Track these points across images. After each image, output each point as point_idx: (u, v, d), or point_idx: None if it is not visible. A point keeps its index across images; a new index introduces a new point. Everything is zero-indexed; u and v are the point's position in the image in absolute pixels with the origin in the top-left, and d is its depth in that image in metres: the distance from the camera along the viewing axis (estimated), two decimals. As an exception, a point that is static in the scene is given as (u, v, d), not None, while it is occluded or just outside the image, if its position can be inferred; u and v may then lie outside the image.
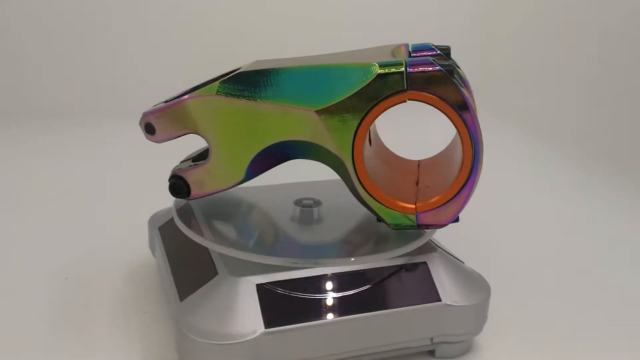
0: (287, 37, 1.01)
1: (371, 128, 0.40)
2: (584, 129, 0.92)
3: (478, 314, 0.39)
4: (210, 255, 0.38)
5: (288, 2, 1.03)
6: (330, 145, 0.36)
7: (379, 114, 0.35)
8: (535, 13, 1.05)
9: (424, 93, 0.34)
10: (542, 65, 1.04)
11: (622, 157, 0.84)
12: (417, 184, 0.41)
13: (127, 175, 0.69)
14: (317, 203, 0.43)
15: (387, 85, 0.34)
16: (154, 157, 0.54)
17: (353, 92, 0.35)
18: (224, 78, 0.37)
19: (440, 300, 0.37)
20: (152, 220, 0.47)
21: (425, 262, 0.38)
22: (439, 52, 0.37)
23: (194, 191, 0.40)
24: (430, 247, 0.40)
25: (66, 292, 0.45)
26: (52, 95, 0.93)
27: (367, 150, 0.39)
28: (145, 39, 0.99)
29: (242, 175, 0.39)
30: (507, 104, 0.98)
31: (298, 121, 0.36)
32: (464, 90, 0.35)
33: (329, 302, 0.36)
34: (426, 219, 0.37)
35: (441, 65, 0.34)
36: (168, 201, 0.43)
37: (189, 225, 0.39)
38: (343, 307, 0.36)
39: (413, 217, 0.37)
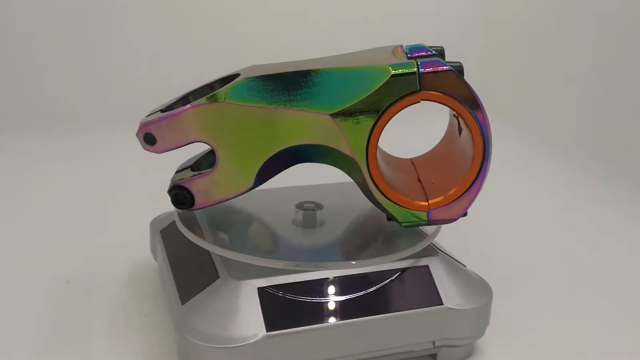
0: (288, 38, 1.01)
1: None
2: (583, 130, 0.92)
3: (480, 317, 0.39)
4: (212, 259, 0.38)
5: (288, 3, 1.03)
6: (344, 147, 0.36)
7: (394, 115, 0.36)
8: (534, 16, 1.06)
9: (437, 93, 0.35)
10: (541, 68, 1.04)
11: (621, 158, 0.84)
12: (419, 181, 0.41)
13: (129, 179, 0.69)
14: (319, 206, 0.43)
15: (401, 86, 0.35)
16: (156, 161, 0.54)
17: (368, 94, 0.35)
18: (232, 84, 0.36)
19: (442, 303, 0.37)
20: (153, 224, 0.47)
21: (427, 266, 0.38)
22: (434, 52, 0.37)
23: (199, 201, 0.39)
24: (432, 251, 0.39)
25: (68, 295, 0.45)
26: (55, 101, 0.93)
27: None
28: (146, 44, 0.99)
29: (250, 183, 0.38)
30: (507, 106, 0.98)
31: (311, 125, 0.36)
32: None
33: (331, 305, 0.36)
34: (438, 214, 0.38)
35: (451, 65, 0.35)
36: (169, 205, 0.43)
37: (190, 228, 0.39)
38: (345, 310, 0.36)
39: (425, 213, 0.38)
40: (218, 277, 0.36)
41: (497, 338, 0.42)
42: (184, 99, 0.40)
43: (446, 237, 0.43)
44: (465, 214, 0.38)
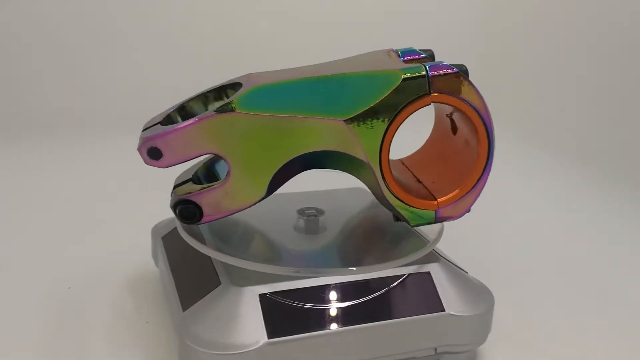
0: (287, 38, 1.02)
1: None
2: (585, 133, 0.92)
3: (482, 324, 0.39)
4: (213, 265, 0.38)
5: (289, 4, 1.03)
6: (357, 152, 0.36)
7: (406, 118, 0.36)
8: (533, 17, 1.06)
9: (446, 95, 0.36)
10: (539, 70, 1.04)
11: (622, 161, 0.84)
12: (419, 181, 0.42)
13: (131, 185, 0.69)
14: (320, 212, 0.43)
15: (412, 89, 0.36)
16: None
17: (380, 98, 0.35)
18: (241, 93, 0.36)
19: (443, 310, 0.37)
20: (155, 230, 0.47)
21: (428, 272, 0.38)
22: (425, 55, 0.39)
23: (208, 214, 0.38)
24: (434, 257, 0.39)
25: (69, 301, 0.45)
26: (56, 105, 0.94)
27: None
28: (147, 48, 0.99)
29: (263, 192, 0.37)
30: (505, 109, 0.98)
31: (325, 132, 0.36)
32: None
33: (332, 312, 0.36)
34: (444, 213, 0.39)
35: (456, 67, 0.36)
36: (171, 211, 0.43)
37: (191, 234, 0.39)
38: (346, 317, 0.36)
39: (433, 212, 0.39)
40: (219, 283, 0.36)
41: (498, 344, 0.41)
42: (180, 109, 0.40)
43: (448, 243, 0.43)
44: (469, 211, 0.39)
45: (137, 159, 0.39)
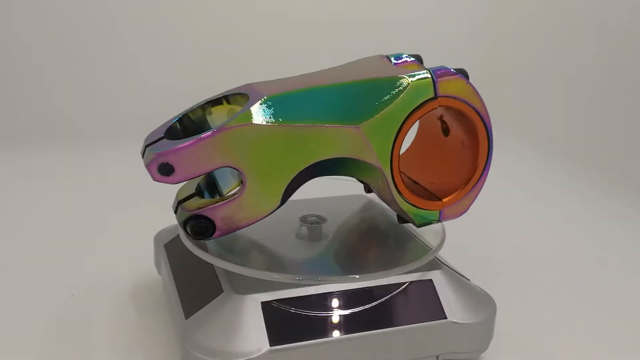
0: (287, 39, 1.02)
1: None
2: (583, 134, 0.92)
3: (484, 331, 0.39)
4: (216, 273, 0.38)
5: (289, 4, 1.04)
6: (368, 157, 0.37)
7: (414, 122, 0.37)
8: (533, 20, 1.06)
9: (451, 98, 0.37)
10: (538, 73, 1.04)
11: (622, 162, 0.84)
12: (415, 182, 0.43)
13: (133, 193, 0.69)
14: (322, 220, 0.43)
15: (420, 94, 0.37)
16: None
17: (391, 104, 0.36)
18: (256, 104, 0.35)
19: (446, 317, 0.37)
20: (157, 238, 0.47)
21: (430, 280, 0.38)
22: (414, 59, 0.40)
23: (222, 228, 0.37)
24: (436, 264, 0.39)
25: (72, 309, 0.45)
26: (59, 113, 0.94)
27: None
28: (151, 56, 1.00)
29: (277, 202, 0.37)
30: (505, 110, 0.98)
31: (339, 139, 0.36)
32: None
33: (335, 319, 0.36)
34: (447, 212, 0.40)
35: (457, 71, 0.38)
36: (174, 218, 0.43)
37: (194, 242, 0.39)
38: (348, 324, 0.36)
39: (437, 212, 0.40)
40: (222, 291, 0.36)
41: (501, 352, 0.41)
42: (180, 121, 0.39)
43: (449, 250, 0.43)
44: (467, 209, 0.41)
45: (140, 167, 0.39)
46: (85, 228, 0.60)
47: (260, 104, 0.35)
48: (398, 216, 0.41)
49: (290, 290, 0.36)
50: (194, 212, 0.37)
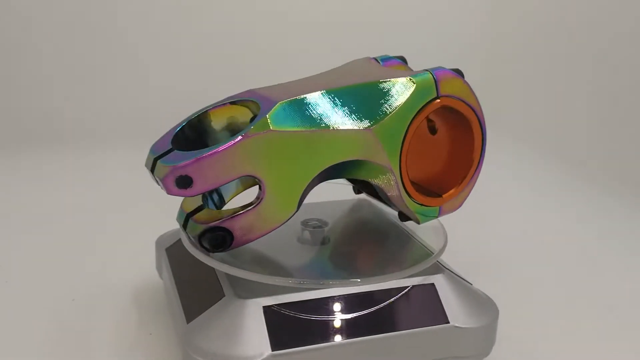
0: (287, 39, 1.02)
1: None
2: (582, 134, 0.92)
3: (486, 336, 0.39)
4: (217, 277, 0.38)
5: (289, 4, 1.04)
6: (381, 158, 0.37)
7: (420, 122, 0.38)
8: (533, 20, 1.06)
9: (452, 98, 0.39)
10: (538, 73, 1.04)
11: (622, 162, 0.84)
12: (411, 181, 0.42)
13: (135, 197, 0.69)
14: (324, 224, 0.43)
15: (425, 95, 0.38)
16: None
17: (399, 105, 0.37)
18: (272, 110, 0.35)
19: (448, 322, 0.37)
20: (159, 242, 0.47)
21: (432, 284, 0.38)
22: (400, 60, 0.42)
23: (240, 238, 0.36)
24: (438, 269, 0.39)
25: (73, 313, 0.45)
26: (60, 116, 0.94)
27: None
28: (155, 59, 1.00)
29: (294, 208, 0.37)
30: (503, 113, 0.98)
31: (353, 142, 0.36)
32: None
33: (336, 324, 0.35)
34: (446, 207, 0.41)
35: (453, 71, 0.39)
36: (175, 222, 0.43)
37: (196, 246, 0.39)
38: (350, 329, 0.35)
39: (437, 208, 0.41)
40: (223, 295, 0.36)
41: (503, 356, 0.41)
42: (183, 131, 0.38)
43: (450, 253, 0.43)
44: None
45: (142, 170, 0.38)
46: (85, 229, 0.60)
47: (276, 110, 0.35)
48: (400, 213, 0.42)
49: (292, 294, 0.36)
50: (212, 224, 0.36)
